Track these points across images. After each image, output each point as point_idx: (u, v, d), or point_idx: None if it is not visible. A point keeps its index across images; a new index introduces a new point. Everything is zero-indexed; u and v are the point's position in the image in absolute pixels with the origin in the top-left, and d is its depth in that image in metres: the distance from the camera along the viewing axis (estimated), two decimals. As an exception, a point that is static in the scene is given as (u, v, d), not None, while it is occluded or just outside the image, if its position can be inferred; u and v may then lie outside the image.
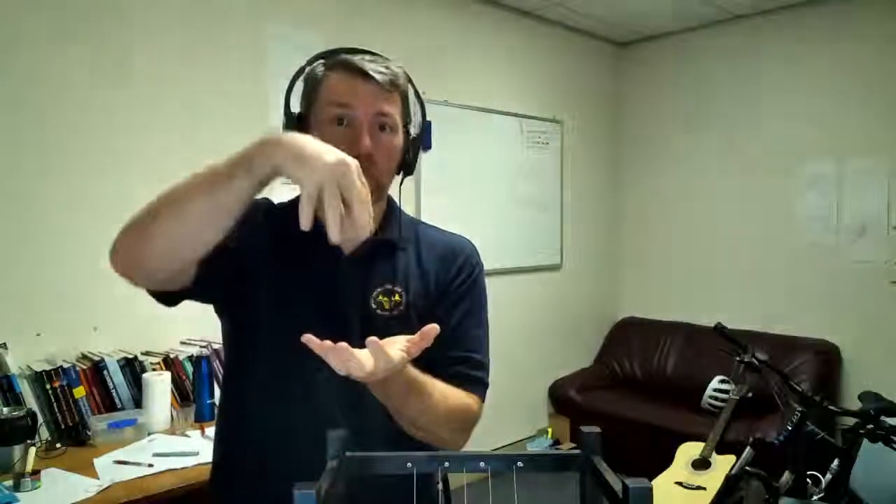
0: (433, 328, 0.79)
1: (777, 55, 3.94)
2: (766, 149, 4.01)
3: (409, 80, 1.08)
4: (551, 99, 4.20)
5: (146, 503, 1.67)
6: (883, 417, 1.98)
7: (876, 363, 3.58)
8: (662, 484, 2.70)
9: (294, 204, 1.13)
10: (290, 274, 1.04)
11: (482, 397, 1.07)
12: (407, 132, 1.08)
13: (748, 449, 2.26)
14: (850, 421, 2.08)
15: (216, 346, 2.36)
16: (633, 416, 3.77)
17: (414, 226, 1.16)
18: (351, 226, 0.77)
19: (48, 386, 2.09)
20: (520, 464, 0.68)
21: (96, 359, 2.22)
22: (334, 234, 0.75)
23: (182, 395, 2.34)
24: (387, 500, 0.85)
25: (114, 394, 2.21)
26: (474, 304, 1.11)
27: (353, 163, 0.79)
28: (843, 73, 3.70)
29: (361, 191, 0.77)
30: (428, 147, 3.39)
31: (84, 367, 2.19)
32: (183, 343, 2.45)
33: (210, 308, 1.08)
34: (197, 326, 2.38)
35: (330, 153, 0.78)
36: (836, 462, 2.10)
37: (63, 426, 2.07)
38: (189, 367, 2.37)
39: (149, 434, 2.11)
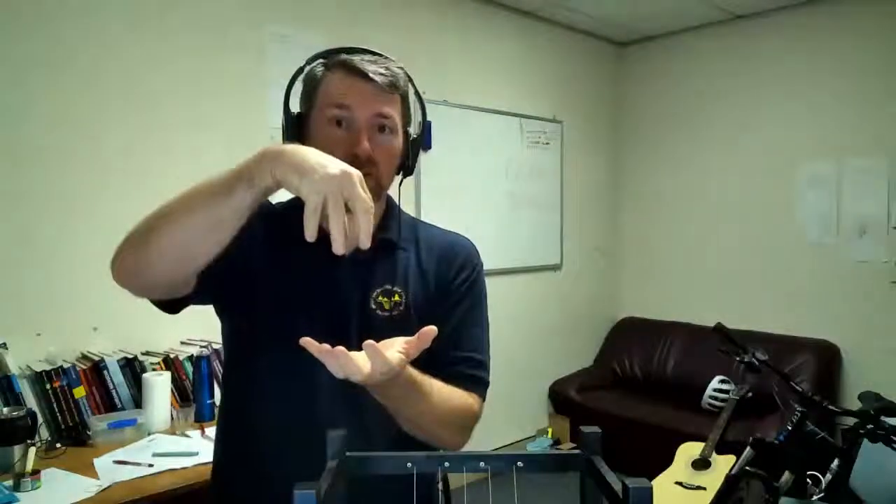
0: (431, 330, 0.79)
1: (777, 55, 3.94)
2: (766, 148, 4.01)
3: (410, 81, 1.08)
4: (551, 99, 4.20)
5: (146, 503, 1.67)
6: (883, 417, 1.98)
7: (876, 363, 3.58)
8: (662, 484, 2.70)
9: (293, 205, 1.13)
10: (289, 274, 1.04)
11: (483, 397, 1.07)
12: (407, 133, 1.08)
13: (748, 449, 2.26)
14: (850, 421, 2.08)
15: (216, 346, 2.36)
16: (633, 416, 3.77)
17: (414, 226, 1.16)
18: (355, 236, 0.76)
19: (48, 386, 2.09)
20: (520, 464, 0.68)
21: (96, 359, 2.22)
22: (339, 246, 0.75)
23: (182, 395, 2.34)
24: (387, 500, 0.85)
25: (114, 394, 2.21)
26: (474, 303, 1.11)
27: (356, 173, 0.78)
28: (843, 73, 3.70)
29: (366, 201, 0.77)
30: (428, 147, 3.39)
31: (84, 367, 2.19)
32: (183, 343, 2.46)
33: (210, 308, 1.08)
34: (197, 326, 2.38)
35: (333, 165, 0.77)
36: (836, 462, 2.10)
37: (63, 426, 2.07)
38: (189, 367, 2.37)
39: (149, 434, 2.11)
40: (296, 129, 1.04)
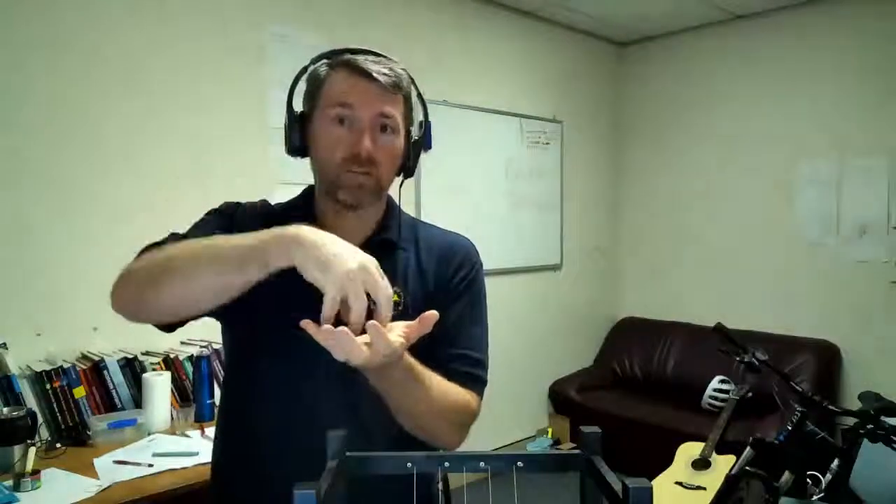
0: (433, 314, 0.79)
1: (777, 55, 3.94)
2: (766, 148, 4.01)
3: (412, 82, 1.08)
4: (551, 99, 4.20)
5: (146, 503, 1.67)
6: (883, 417, 1.98)
7: (876, 363, 3.59)
8: (662, 484, 2.70)
9: (293, 205, 1.13)
10: (289, 275, 1.04)
11: (480, 395, 1.06)
12: (408, 134, 1.08)
13: (748, 449, 2.26)
14: (850, 421, 2.08)
15: (216, 346, 2.36)
16: (633, 416, 3.77)
17: (413, 226, 1.16)
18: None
19: (48, 386, 2.09)
20: (520, 464, 0.68)
21: (96, 359, 2.22)
22: (356, 333, 0.75)
23: (182, 395, 2.34)
24: (387, 500, 0.85)
25: (114, 394, 2.21)
26: (473, 301, 1.11)
27: (372, 262, 0.79)
28: (843, 73, 3.70)
29: (386, 289, 0.78)
30: (428, 147, 3.38)
31: (84, 367, 2.18)
32: (183, 343, 2.45)
33: (210, 308, 1.09)
34: (197, 326, 2.35)
35: (351, 258, 0.78)
36: (836, 462, 2.10)
37: (63, 426, 2.07)
38: (189, 367, 2.37)
39: (149, 434, 2.11)
40: (298, 127, 1.05)
